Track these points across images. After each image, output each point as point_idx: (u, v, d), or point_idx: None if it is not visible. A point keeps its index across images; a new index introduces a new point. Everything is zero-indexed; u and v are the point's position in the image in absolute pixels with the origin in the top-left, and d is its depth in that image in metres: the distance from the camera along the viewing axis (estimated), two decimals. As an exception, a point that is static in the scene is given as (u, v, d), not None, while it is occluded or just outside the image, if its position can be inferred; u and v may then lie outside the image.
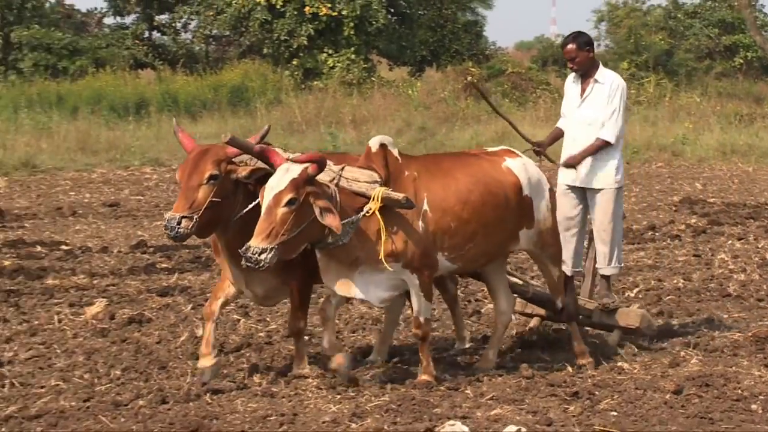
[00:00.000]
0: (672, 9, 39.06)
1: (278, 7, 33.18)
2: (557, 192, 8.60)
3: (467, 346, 8.73)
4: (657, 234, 14.21)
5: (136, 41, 36.84)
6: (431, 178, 7.52)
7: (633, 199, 17.66)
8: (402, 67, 37.54)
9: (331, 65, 33.31)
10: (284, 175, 6.85)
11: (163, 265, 11.94)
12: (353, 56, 33.41)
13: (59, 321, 9.45)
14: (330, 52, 33.54)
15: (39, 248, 12.92)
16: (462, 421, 6.62)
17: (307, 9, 32.97)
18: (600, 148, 8.38)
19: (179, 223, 7.08)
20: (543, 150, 8.67)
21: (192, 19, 37.84)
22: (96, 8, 38.70)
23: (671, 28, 38.01)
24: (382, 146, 7.44)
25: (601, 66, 8.61)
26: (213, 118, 29.06)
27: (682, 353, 8.43)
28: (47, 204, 17.17)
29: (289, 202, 6.76)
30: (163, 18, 38.46)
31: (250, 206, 7.21)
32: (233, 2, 33.92)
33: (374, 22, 33.29)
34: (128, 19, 38.21)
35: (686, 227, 14.62)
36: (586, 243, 8.86)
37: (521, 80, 33.68)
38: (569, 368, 8.04)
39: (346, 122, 27.93)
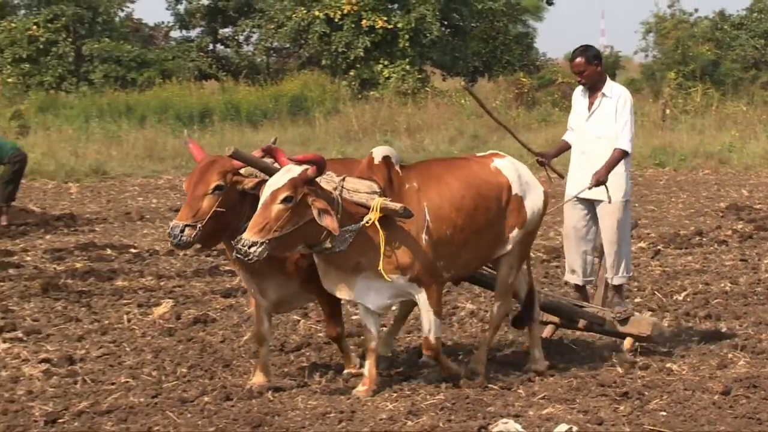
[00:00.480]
0: (718, 20, 38.58)
1: (336, 20, 33.29)
2: (568, 204, 8.50)
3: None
4: (704, 239, 14.04)
5: (201, 53, 37.07)
6: (429, 188, 7.28)
7: (680, 205, 17.55)
8: (455, 78, 37.43)
9: (387, 76, 33.32)
10: (284, 175, 6.73)
11: (227, 268, 11.97)
12: (408, 67, 33.40)
13: (128, 320, 9.54)
14: (386, 63, 33.56)
15: (109, 251, 13.04)
16: (515, 419, 6.59)
17: (363, 22, 33.06)
18: (620, 158, 8.25)
19: (182, 231, 6.95)
20: (547, 161, 8.58)
21: (254, 32, 38.04)
22: (163, 22, 38.97)
23: (718, 39, 37.55)
24: (386, 158, 7.24)
25: (608, 79, 8.51)
26: (273, 126, 29.16)
27: (730, 355, 8.34)
28: (116, 209, 17.34)
29: (285, 200, 6.61)
30: (227, 31, 38.71)
31: None
32: (293, 16, 34.07)
33: (428, 35, 33.30)
34: (193, 33, 38.50)
35: (733, 232, 14.44)
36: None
37: (571, 90, 33.38)
38: (618, 369, 7.97)
39: (401, 130, 27.95)
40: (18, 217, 15.95)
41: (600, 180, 8.20)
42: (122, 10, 36.85)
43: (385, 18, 33.09)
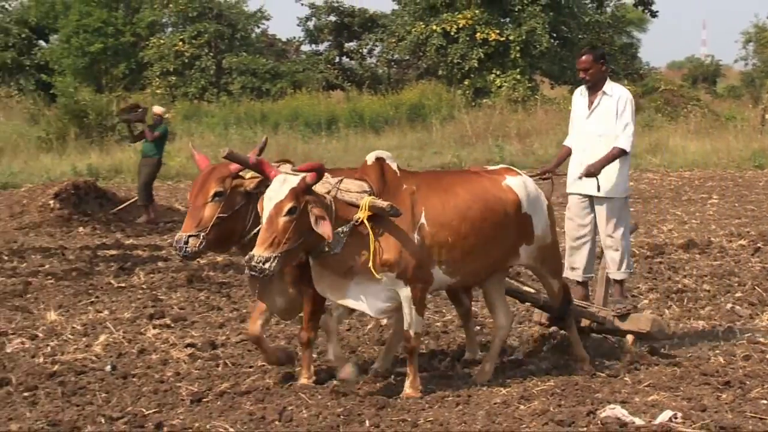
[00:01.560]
0: (816, 30, 37.63)
1: (452, 34, 33.31)
2: (569, 201, 8.15)
3: (478, 357, 7.85)
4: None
5: (328, 66, 37.46)
6: (430, 193, 6.87)
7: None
8: (563, 86, 37.10)
9: (499, 85, 33.21)
10: (282, 185, 6.28)
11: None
12: (519, 76, 33.26)
13: (264, 309, 9.62)
14: (498, 73, 33.46)
15: (246, 246, 13.16)
16: (621, 405, 6.46)
17: (478, 35, 33.01)
18: (617, 156, 7.88)
19: (186, 243, 6.60)
20: (553, 173, 8.08)
21: (376, 46, 38.33)
22: (294, 37, 39.57)
23: (815, 48, 36.61)
24: (379, 159, 6.85)
25: (608, 80, 8.15)
26: (394, 132, 29.28)
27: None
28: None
29: (290, 211, 6.19)
30: (352, 45, 39.04)
31: None
32: (413, 30, 34.18)
33: (538, 46, 33.09)
34: (322, 47, 39.01)
35: None
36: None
37: (673, 96, 32.94)
38: (721, 359, 7.78)
39: (511, 135, 27.80)
40: (165, 215, 16.32)
41: (591, 172, 7.82)
42: (258, 27, 37.50)
43: (498, 31, 33.01)
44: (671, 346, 8.28)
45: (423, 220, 6.75)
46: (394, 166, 6.89)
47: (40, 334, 8.54)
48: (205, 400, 6.81)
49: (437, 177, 7.34)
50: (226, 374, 7.50)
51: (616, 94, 8.01)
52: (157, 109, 16.45)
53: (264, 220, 6.25)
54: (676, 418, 6.21)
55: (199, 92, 33.93)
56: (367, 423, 6.29)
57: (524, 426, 6.20)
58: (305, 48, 39.30)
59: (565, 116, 29.18)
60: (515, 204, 7.17)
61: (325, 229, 6.21)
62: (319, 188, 6.45)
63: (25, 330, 8.68)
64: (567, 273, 8.15)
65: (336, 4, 38.18)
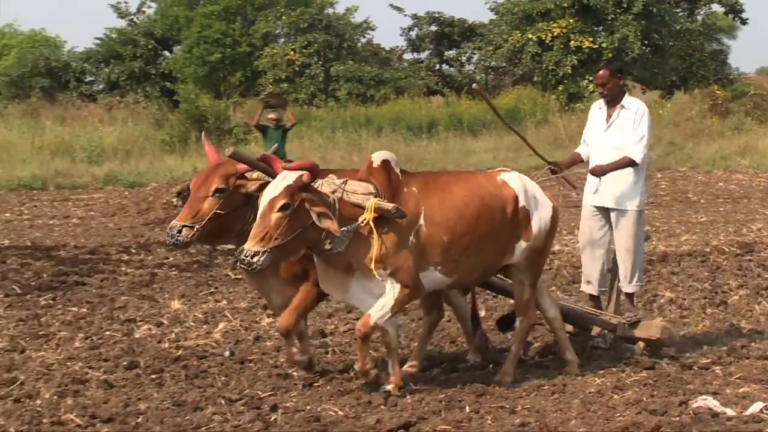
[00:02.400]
0: None
1: (547, 42, 33.00)
2: (582, 214, 7.84)
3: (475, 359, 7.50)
4: None
5: (429, 72, 37.44)
6: (429, 194, 6.55)
7: None
8: (654, 91, 36.44)
9: (592, 90, 32.74)
10: (280, 182, 6.03)
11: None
12: (611, 82, 32.82)
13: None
14: (590, 78, 32.96)
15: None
16: (713, 396, 6.35)
17: (572, 43, 32.65)
18: (626, 165, 7.57)
19: (179, 232, 6.38)
20: (561, 169, 7.82)
21: (474, 54, 38.18)
22: (397, 46, 39.57)
23: None
24: (384, 162, 6.52)
25: (627, 94, 7.86)
26: (491, 135, 29.15)
27: None
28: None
29: (283, 207, 5.92)
30: (451, 53, 38.95)
31: None
32: (509, 39, 33.97)
33: (630, 53, 32.56)
34: (423, 55, 38.94)
35: None
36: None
37: (762, 101, 32.11)
38: (812, 354, 7.56)
39: (604, 138, 27.44)
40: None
41: (596, 172, 7.62)
42: (364, 37, 37.63)
43: (591, 39, 32.60)
44: (761, 340, 8.08)
45: (422, 221, 6.44)
46: (397, 168, 6.58)
47: (165, 321, 8.71)
48: (316, 384, 6.87)
49: (435, 177, 6.94)
50: (334, 361, 7.56)
51: (634, 108, 7.70)
52: (272, 114, 16.58)
53: (258, 215, 6.02)
54: (767, 409, 6.07)
55: (309, 98, 34.21)
56: (467, 409, 6.29)
57: (618, 414, 6.12)
58: (407, 56, 39.35)
59: (656, 120, 28.65)
60: (512, 198, 6.79)
61: (329, 225, 5.96)
62: (325, 189, 6.26)
63: (151, 317, 8.87)
64: (583, 286, 7.99)
65: (437, 15, 38.15)
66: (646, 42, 34.31)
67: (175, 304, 9.23)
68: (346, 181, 6.35)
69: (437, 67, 38.59)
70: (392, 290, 6.35)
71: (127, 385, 6.78)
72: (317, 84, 34.63)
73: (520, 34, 33.72)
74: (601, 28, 33.52)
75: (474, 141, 28.39)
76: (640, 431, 5.76)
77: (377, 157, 6.54)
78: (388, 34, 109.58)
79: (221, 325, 8.54)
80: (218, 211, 6.41)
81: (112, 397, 6.46)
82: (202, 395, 6.53)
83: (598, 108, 7.92)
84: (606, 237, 7.76)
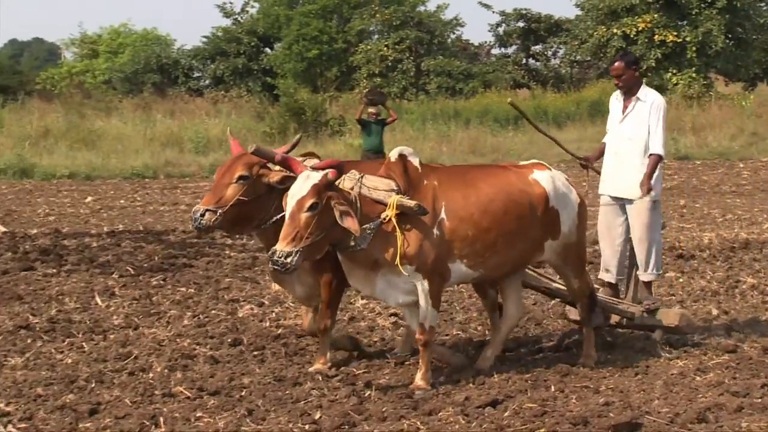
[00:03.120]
0: None
1: (632, 36, 32.43)
2: (601, 204, 7.57)
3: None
4: None
5: (516, 67, 37.14)
6: (452, 188, 6.26)
7: None
8: (736, 83, 35.55)
9: (675, 82, 32.12)
10: (305, 182, 5.78)
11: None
12: (694, 75, 32.08)
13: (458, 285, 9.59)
14: (674, 71, 32.37)
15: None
16: (794, 380, 6.19)
17: (656, 37, 32.05)
18: (657, 163, 7.29)
19: (202, 216, 6.22)
20: (590, 164, 7.64)
21: (560, 48, 37.69)
22: (486, 42, 39.32)
23: None
24: (401, 156, 6.24)
25: (644, 85, 7.56)
26: (575, 126, 28.78)
27: None
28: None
29: (311, 207, 5.70)
30: (538, 48, 38.56)
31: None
32: (594, 34, 33.51)
33: (713, 46, 31.81)
34: (510, 50, 38.60)
35: None
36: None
37: None
38: None
39: (686, 129, 26.88)
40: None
41: (647, 189, 7.27)
42: (453, 33, 37.48)
43: (675, 33, 31.94)
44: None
45: (443, 215, 6.17)
46: (416, 162, 6.31)
47: (266, 302, 8.82)
48: (407, 363, 6.88)
49: (460, 171, 6.59)
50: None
51: (650, 100, 7.42)
52: (372, 109, 16.57)
53: (287, 215, 5.79)
54: None
55: (401, 92, 34.23)
56: (553, 388, 6.24)
57: (700, 395, 6.01)
58: (495, 51, 39.08)
59: (738, 111, 28.22)
60: (542, 198, 6.50)
61: (351, 224, 5.73)
62: (347, 184, 6.03)
63: (253, 298, 8.98)
64: (601, 274, 7.73)
65: (524, 11, 37.79)
66: (730, 35, 33.43)
67: (276, 286, 9.31)
68: (363, 176, 6.09)
69: (524, 61, 38.23)
70: (422, 287, 6.11)
71: (231, 361, 6.89)
72: (408, 78, 34.62)
73: (605, 29, 33.21)
74: (685, 22, 32.80)
75: (559, 132, 28.02)
76: (722, 412, 5.65)
77: (395, 153, 6.29)
78: (477, 31, 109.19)
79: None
80: (241, 198, 6.27)
81: (218, 371, 6.58)
82: (300, 371, 6.61)
83: (616, 99, 7.67)
84: (623, 226, 7.48)
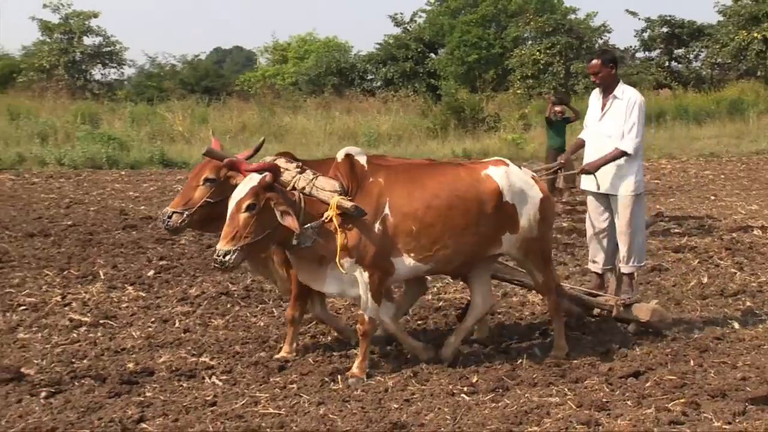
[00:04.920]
0: None
1: (772, 39, 30.85)
2: (587, 198, 7.03)
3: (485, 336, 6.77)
4: None
5: (659, 69, 35.88)
6: (397, 184, 5.73)
7: None
8: None
9: (813, 83, 30.32)
10: (245, 185, 5.40)
11: (676, 231, 11.48)
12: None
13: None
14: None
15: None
16: None
17: (795, 40, 30.34)
18: (617, 157, 6.72)
19: (170, 218, 5.87)
20: (565, 161, 7.04)
21: (702, 52, 36.20)
22: (631, 46, 38.25)
23: None
24: (348, 156, 5.73)
25: (621, 83, 6.93)
26: (714, 124, 27.61)
27: None
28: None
29: (249, 207, 5.30)
30: (680, 51, 37.14)
31: None
32: (735, 38, 32.01)
33: None
34: (653, 53, 37.38)
35: None
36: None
37: None
38: None
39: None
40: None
41: (586, 170, 6.79)
42: (601, 39, 36.55)
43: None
44: None
45: (387, 210, 5.66)
46: (362, 160, 5.78)
47: (429, 277, 8.83)
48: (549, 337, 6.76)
49: (408, 169, 5.94)
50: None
51: (626, 97, 6.82)
52: (558, 108, 16.23)
53: (228, 216, 5.39)
54: None
55: (551, 92, 33.81)
56: (692, 362, 6.01)
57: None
58: (639, 55, 37.96)
59: None
60: (494, 193, 5.86)
61: (290, 222, 5.34)
62: (300, 183, 5.61)
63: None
64: (589, 265, 7.24)
65: (669, 18, 36.45)
66: None
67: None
68: (318, 176, 5.65)
69: (666, 63, 36.89)
70: (362, 279, 5.62)
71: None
72: (558, 80, 34.00)
73: (746, 33, 31.66)
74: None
75: (698, 129, 26.95)
76: None
77: (341, 153, 5.80)
78: (623, 36, 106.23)
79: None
80: (208, 200, 5.89)
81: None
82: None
83: (596, 96, 7.10)
84: (608, 219, 6.97)
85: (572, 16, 36.35)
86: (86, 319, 7.02)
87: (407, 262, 5.71)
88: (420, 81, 36.32)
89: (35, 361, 5.89)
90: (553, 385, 5.55)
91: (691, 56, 36.88)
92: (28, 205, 13.16)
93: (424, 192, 5.74)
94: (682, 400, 5.18)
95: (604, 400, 5.21)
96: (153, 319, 7.10)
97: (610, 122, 6.84)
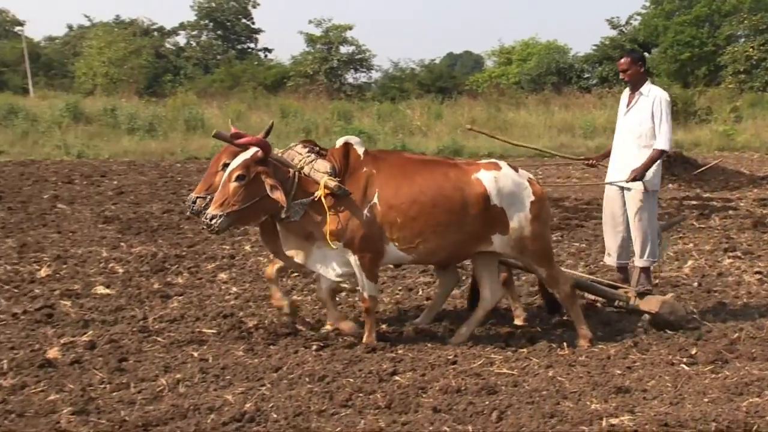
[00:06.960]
0: None
1: None
2: (605, 191, 6.37)
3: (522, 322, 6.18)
4: None
5: None
6: (388, 177, 5.37)
7: None
8: None
9: None
10: (240, 158, 5.22)
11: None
12: None
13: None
14: None
15: None
16: None
17: None
18: (657, 158, 6.10)
19: (194, 202, 5.62)
20: (596, 162, 6.57)
21: None
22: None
23: None
24: (346, 144, 5.45)
25: (648, 81, 6.29)
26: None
27: None
28: None
29: (238, 178, 5.12)
30: None
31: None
32: None
33: None
34: None
35: None
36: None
37: None
38: None
39: None
40: (734, 177, 15.25)
41: (636, 177, 6.10)
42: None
43: None
44: None
45: (375, 200, 5.34)
46: (360, 150, 5.47)
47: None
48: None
49: (402, 163, 5.55)
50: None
51: (652, 95, 6.20)
52: None
53: (221, 184, 5.26)
54: None
55: (762, 86, 31.25)
56: None
57: None
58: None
59: None
60: (480, 196, 5.41)
61: (278, 196, 5.14)
62: (297, 162, 5.38)
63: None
64: (605, 258, 6.52)
65: None
66: None
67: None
68: (316, 159, 5.41)
69: None
70: (354, 261, 5.38)
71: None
72: (770, 74, 31.37)
73: None
74: None
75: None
76: None
77: (340, 141, 5.56)
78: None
79: (689, 263, 8.13)
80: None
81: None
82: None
83: (624, 95, 6.47)
84: (624, 214, 6.31)
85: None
86: (346, 285, 7.30)
87: (393, 249, 5.44)
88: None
89: (307, 320, 6.21)
90: (772, 360, 5.14)
91: None
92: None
93: (411, 187, 5.43)
94: None
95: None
96: (400, 288, 7.29)
97: (634, 117, 6.32)
